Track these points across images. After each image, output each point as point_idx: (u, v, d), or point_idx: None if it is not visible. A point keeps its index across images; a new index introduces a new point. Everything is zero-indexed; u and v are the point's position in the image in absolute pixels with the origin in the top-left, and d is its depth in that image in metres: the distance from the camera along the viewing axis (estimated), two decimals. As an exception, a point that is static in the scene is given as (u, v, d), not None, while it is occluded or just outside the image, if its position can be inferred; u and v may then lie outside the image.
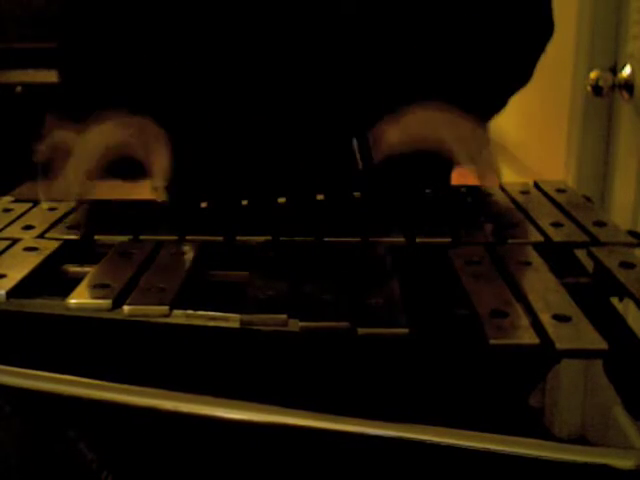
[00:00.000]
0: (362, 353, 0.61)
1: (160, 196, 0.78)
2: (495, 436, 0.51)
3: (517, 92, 0.91)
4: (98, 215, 0.78)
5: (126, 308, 0.57)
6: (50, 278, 0.65)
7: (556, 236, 0.69)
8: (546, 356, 0.51)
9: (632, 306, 0.57)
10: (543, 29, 0.92)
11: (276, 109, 0.86)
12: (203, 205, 0.79)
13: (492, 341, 0.51)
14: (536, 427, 0.64)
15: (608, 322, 0.56)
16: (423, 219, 0.72)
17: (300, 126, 0.87)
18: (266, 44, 0.85)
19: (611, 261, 0.63)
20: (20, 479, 0.72)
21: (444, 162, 0.84)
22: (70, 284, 0.60)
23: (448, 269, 0.63)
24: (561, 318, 0.53)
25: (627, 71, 1.34)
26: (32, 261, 0.65)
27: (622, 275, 0.61)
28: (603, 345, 0.50)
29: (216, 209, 0.78)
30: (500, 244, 0.68)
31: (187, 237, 0.71)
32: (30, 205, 0.81)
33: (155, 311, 0.57)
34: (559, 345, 0.50)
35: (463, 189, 0.85)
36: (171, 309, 0.57)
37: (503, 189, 0.83)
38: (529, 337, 0.51)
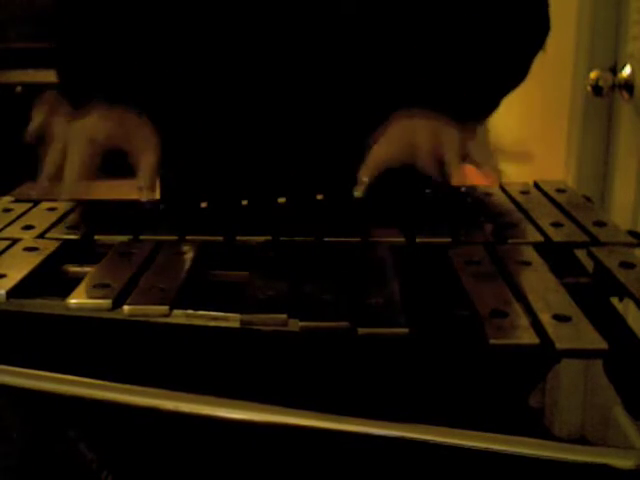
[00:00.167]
0: (362, 353, 0.61)
1: (145, 195, 0.77)
2: (495, 436, 0.51)
3: (511, 92, 0.91)
4: (98, 215, 0.78)
5: (126, 308, 0.57)
6: (50, 278, 0.65)
7: (556, 236, 0.69)
8: (546, 356, 0.51)
9: (632, 306, 0.57)
10: (539, 28, 0.91)
11: (275, 108, 0.86)
12: (203, 205, 0.79)
13: (492, 341, 0.51)
14: (536, 427, 0.64)
15: (608, 322, 0.56)
16: (423, 219, 0.72)
17: (300, 126, 0.87)
18: (266, 43, 0.85)
19: (611, 261, 0.63)
20: (20, 479, 0.72)
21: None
22: (70, 284, 0.60)
23: (448, 269, 0.63)
24: (561, 318, 0.53)
25: (627, 71, 1.34)
26: (32, 261, 0.65)
27: (622, 275, 0.61)
28: (603, 345, 0.50)
29: (216, 209, 0.78)
30: (500, 244, 0.68)
31: (187, 237, 0.71)
32: (30, 205, 0.81)
33: (155, 311, 0.57)
34: (559, 345, 0.50)
35: (463, 189, 0.85)
36: (171, 309, 0.57)
37: (503, 189, 0.83)
38: (529, 337, 0.51)
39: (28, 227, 0.74)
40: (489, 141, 0.79)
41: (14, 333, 0.69)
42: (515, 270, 0.61)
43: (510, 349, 0.51)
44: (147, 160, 0.77)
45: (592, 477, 0.50)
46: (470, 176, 0.83)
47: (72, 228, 0.73)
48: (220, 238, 0.70)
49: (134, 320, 0.57)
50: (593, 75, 1.40)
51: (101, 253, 0.67)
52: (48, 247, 0.68)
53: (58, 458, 0.71)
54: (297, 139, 0.87)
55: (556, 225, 0.72)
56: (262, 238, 0.70)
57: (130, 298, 0.58)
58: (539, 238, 0.69)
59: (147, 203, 0.77)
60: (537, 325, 0.53)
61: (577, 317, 0.53)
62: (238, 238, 0.70)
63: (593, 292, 0.62)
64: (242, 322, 0.55)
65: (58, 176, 0.76)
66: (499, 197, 0.81)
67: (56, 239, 0.70)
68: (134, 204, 0.81)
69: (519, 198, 0.80)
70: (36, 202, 0.82)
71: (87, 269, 0.64)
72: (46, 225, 0.74)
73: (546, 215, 0.74)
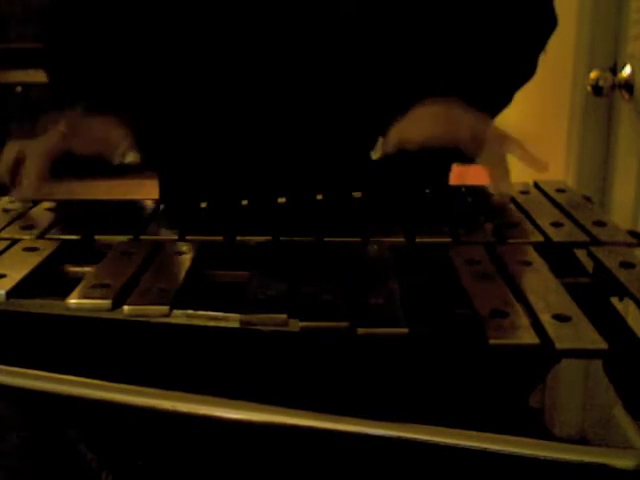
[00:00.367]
0: (362, 353, 0.61)
1: (131, 158, 0.79)
2: (495, 436, 0.51)
3: (522, 87, 0.91)
4: (98, 215, 0.78)
5: (126, 308, 0.57)
6: (50, 278, 0.65)
7: (556, 236, 0.69)
8: (546, 356, 0.51)
9: (632, 306, 0.57)
10: (546, 22, 0.92)
11: (275, 108, 0.86)
12: (203, 205, 0.79)
13: (492, 341, 0.51)
14: (536, 427, 0.64)
15: (608, 322, 0.56)
16: (423, 219, 0.72)
17: (300, 126, 0.87)
18: (266, 42, 0.85)
19: (611, 261, 0.63)
20: (20, 479, 0.72)
21: (445, 161, 0.84)
22: (70, 284, 0.60)
23: (448, 269, 0.63)
24: (561, 318, 0.53)
25: (627, 71, 1.34)
26: (32, 261, 0.65)
27: (622, 275, 0.61)
28: (603, 345, 0.50)
29: (216, 209, 0.78)
30: (500, 244, 0.68)
31: (187, 237, 0.71)
32: (30, 205, 0.81)
33: (155, 311, 0.57)
34: (559, 345, 0.50)
35: (463, 189, 0.85)
36: (171, 309, 0.57)
37: (503, 189, 0.83)
38: (529, 337, 0.51)
39: (28, 227, 0.74)
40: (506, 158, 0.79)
41: (14, 333, 0.69)
42: (515, 270, 0.61)
43: (510, 349, 0.51)
44: (117, 133, 0.79)
45: (592, 477, 0.50)
46: (470, 176, 0.83)
47: (72, 228, 0.73)
48: (220, 238, 0.70)
49: (134, 320, 0.57)
50: (593, 75, 1.40)
51: (101, 253, 0.67)
52: (48, 247, 0.68)
53: (58, 458, 0.71)
54: (297, 139, 0.87)
55: (556, 225, 0.72)
56: (262, 238, 0.70)
57: (130, 298, 0.58)
58: (539, 238, 0.69)
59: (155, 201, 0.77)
60: (537, 325, 0.53)
61: (577, 317, 0.53)
62: (238, 238, 0.70)
63: (593, 292, 0.62)
64: (242, 322, 0.55)
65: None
66: (499, 197, 0.81)
67: (56, 239, 0.70)
68: (134, 204, 0.81)
69: (519, 198, 0.80)
70: (36, 202, 0.82)
71: (87, 269, 0.64)
72: (46, 225, 0.74)
73: (546, 215, 0.74)
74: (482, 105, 0.82)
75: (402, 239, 0.69)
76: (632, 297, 0.58)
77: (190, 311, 0.58)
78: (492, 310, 0.54)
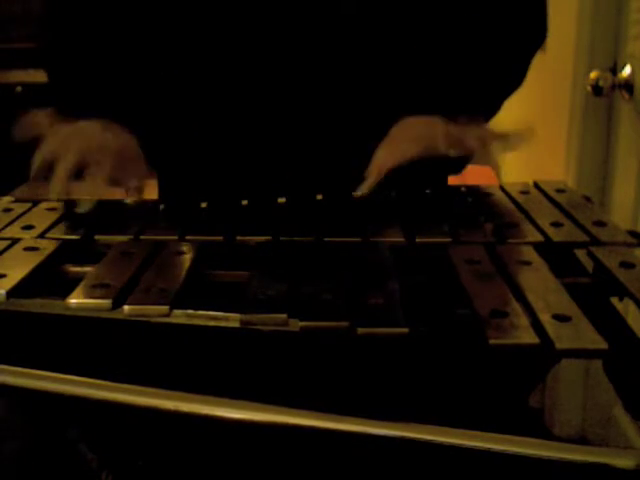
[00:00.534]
0: (362, 353, 0.61)
1: (137, 195, 0.78)
2: (495, 436, 0.51)
3: (510, 95, 0.91)
4: (98, 215, 0.78)
5: (126, 308, 0.57)
6: (50, 278, 0.65)
7: (556, 236, 0.69)
8: (546, 356, 0.51)
9: (632, 306, 0.57)
10: (538, 30, 0.92)
11: (275, 109, 0.86)
12: (203, 205, 0.79)
13: (492, 341, 0.51)
14: (536, 427, 0.64)
15: (608, 322, 0.56)
16: (423, 219, 0.72)
17: (299, 126, 0.87)
18: (266, 42, 0.85)
19: (611, 261, 0.63)
20: (20, 479, 0.72)
21: (436, 171, 0.85)
22: (70, 284, 0.60)
23: (448, 269, 0.63)
24: (561, 318, 0.53)
25: (627, 71, 1.33)
26: (32, 261, 0.65)
27: (622, 275, 0.61)
28: (603, 345, 0.50)
29: (216, 209, 0.78)
30: (500, 244, 0.68)
31: (187, 237, 0.71)
32: (30, 205, 0.81)
33: (155, 311, 0.57)
34: (559, 345, 0.50)
35: (463, 189, 0.85)
36: (171, 309, 0.57)
37: (503, 189, 0.83)
38: (529, 337, 0.51)
39: (28, 227, 0.74)
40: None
41: (14, 333, 0.69)
42: (515, 270, 0.61)
43: (510, 349, 0.51)
44: (138, 168, 0.78)
45: (592, 477, 0.50)
46: (470, 176, 0.83)
47: (72, 228, 0.73)
48: (220, 238, 0.70)
49: (134, 320, 0.57)
50: (593, 75, 1.39)
51: (101, 253, 0.67)
52: (48, 247, 0.68)
53: (58, 458, 0.71)
54: (297, 139, 0.87)
55: (556, 225, 0.72)
56: (262, 238, 0.70)
57: (130, 298, 0.58)
58: (539, 238, 0.69)
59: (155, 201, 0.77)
60: (537, 325, 0.53)
61: (577, 317, 0.53)
62: (238, 238, 0.70)
63: (593, 292, 0.62)
64: (242, 322, 0.55)
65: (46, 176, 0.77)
66: (499, 197, 0.81)
67: (56, 239, 0.70)
68: (134, 204, 0.81)
69: (519, 198, 0.80)
70: (36, 202, 0.82)
71: (87, 269, 0.64)
72: (46, 225, 0.74)
73: (546, 215, 0.74)
74: (470, 112, 0.82)
75: (402, 239, 0.69)
76: (632, 297, 0.58)
77: (190, 311, 0.58)
78: (492, 310, 0.54)
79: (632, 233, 0.70)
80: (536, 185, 0.84)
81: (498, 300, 0.56)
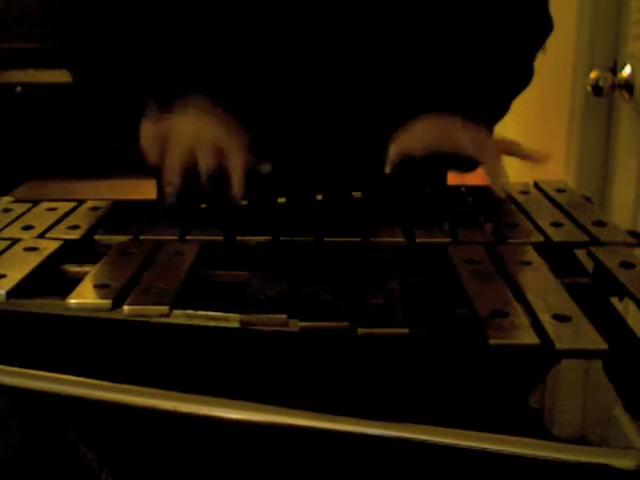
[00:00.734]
0: (362, 353, 0.61)
1: (239, 199, 0.75)
2: (495, 436, 0.51)
3: (519, 94, 0.91)
4: (98, 215, 0.78)
5: (126, 308, 0.57)
6: (50, 278, 0.65)
7: (556, 236, 0.69)
8: (546, 356, 0.51)
9: (632, 306, 0.57)
10: (541, 27, 0.92)
11: (275, 109, 0.86)
12: (203, 205, 0.79)
13: (492, 341, 0.51)
14: (536, 427, 0.64)
15: (608, 322, 0.56)
16: (423, 219, 0.72)
17: (299, 126, 0.87)
18: (265, 43, 0.85)
19: (611, 261, 0.63)
20: (20, 479, 0.72)
21: (446, 167, 0.84)
22: (70, 284, 0.60)
23: (448, 269, 0.63)
24: (561, 318, 0.53)
25: (627, 71, 1.33)
26: (32, 261, 0.65)
27: (622, 275, 0.61)
28: (603, 345, 0.50)
29: (216, 209, 0.78)
30: (500, 244, 0.68)
31: (187, 237, 0.71)
32: (30, 205, 0.81)
33: (155, 311, 0.57)
34: (559, 345, 0.50)
35: (463, 189, 0.85)
36: (171, 309, 0.57)
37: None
38: (529, 337, 0.51)
39: (28, 227, 0.74)
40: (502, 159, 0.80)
41: (14, 333, 0.69)
42: (515, 270, 0.61)
43: (510, 349, 0.51)
44: (237, 162, 0.75)
45: (592, 477, 0.50)
46: (470, 176, 0.83)
47: (72, 228, 0.74)
48: (220, 238, 0.70)
49: (134, 320, 0.57)
50: (593, 75, 1.39)
51: (101, 253, 0.67)
52: (48, 247, 0.68)
53: (58, 458, 0.71)
54: (297, 139, 0.87)
55: (556, 225, 0.72)
56: (262, 238, 0.70)
57: (130, 298, 0.58)
58: (539, 238, 0.69)
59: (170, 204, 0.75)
60: (537, 325, 0.53)
61: (577, 317, 0.53)
62: (238, 238, 0.70)
63: (593, 292, 0.62)
64: (242, 322, 0.55)
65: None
66: (498, 193, 0.81)
67: (56, 239, 0.70)
68: (134, 204, 0.81)
69: (519, 198, 0.80)
70: (36, 202, 0.82)
71: (87, 269, 0.64)
72: (46, 225, 0.74)
73: (546, 215, 0.74)
74: (481, 113, 0.82)
75: (402, 239, 0.69)
76: (632, 297, 0.58)
77: (190, 311, 0.58)
78: (492, 310, 0.54)
79: (632, 233, 0.70)
80: (536, 185, 0.84)
81: (498, 300, 0.56)
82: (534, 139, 1.95)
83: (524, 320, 0.53)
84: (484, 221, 0.74)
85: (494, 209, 0.77)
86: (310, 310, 0.55)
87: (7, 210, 0.79)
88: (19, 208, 0.80)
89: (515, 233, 0.70)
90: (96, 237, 0.72)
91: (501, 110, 0.90)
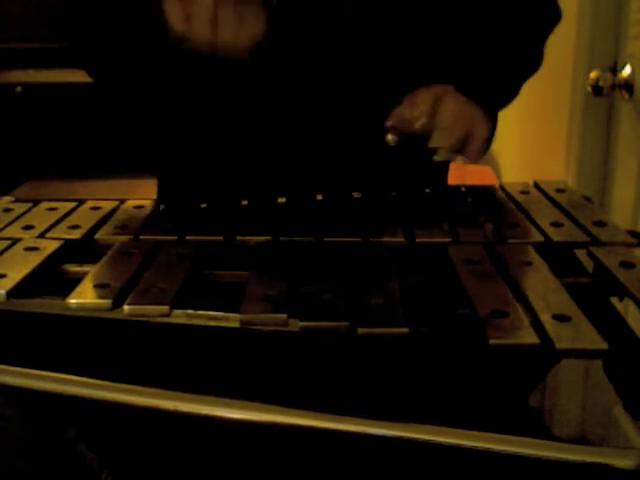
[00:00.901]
0: (362, 353, 0.61)
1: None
2: (495, 436, 0.51)
3: (528, 78, 0.91)
4: (98, 215, 0.78)
5: (126, 308, 0.57)
6: (50, 278, 0.65)
7: (556, 236, 0.69)
8: (546, 356, 0.51)
9: (632, 306, 0.57)
10: (550, 13, 0.92)
11: (274, 109, 0.86)
12: (203, 205, 0.79)
13: (492, 341, 0.51)
14: (536, 427, 0.64)
15: (608, 322, 0.56)
16: (423, 219, 0.72)
17: (299, 126, 0.87)
18: (266, 44, 0.85)
19: (611, 261, 0.63)
20: (20, 479, 0.72)
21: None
22: (70, 284, 0.60)
23: (448, 269, 0.63)
24: (561, 318, 0.53)
25: (627, 71, 1.33)
26: (32, 261, 0.65)
27: (622, 275, 0.61)
28: (603, 345, 0.50)
29: (216, 209, 0.78)
30: (500, 244, 0.68)
31: (187, 237, 0.71)
32: (30, 205, 0.81)
33: (155, 311, 0.57)
34: (559, 345, 0.50)
35: (463, 189, 0.85)
36: (171, 309, 0.57)
37: (503, 189, 0.83)
38: (529, 337, 0.51)
39: (28, 227, 0.74)
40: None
41: (14, 333, 0.69)
42: (515, 270, 0.61)
43: (510, 349, 0.51)
44: None
45: (592, 477, 0.50)
46: (470, 176, 0.83)
47: (72, 228, 0.74)
48: (220, 238, 0.70)
49: (134, 320, 0.57)
50: (593, 75, 1.39)
51: (101, 253, 0.67)
52: (48, 247, 0.68)
53: (58, 458, 0.71)
54: (297, 139, 0.87)
55: (556, 225, 0.72)
56: (262, 238, 0.70)
57: (130, 298, 0.58)
58: (539, 238, 0.69)
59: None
60: (537, 325, 0.53)
61: (577, 317, 0.53)
62: (238, 238, 0.70)
63: (593, 292, 0.62)
64: (242, 322, 0.55)
65: None
66: (499, 197, 0.81)
67: (56, 239, 0.70)
68: (134, 204, 0.81)
69: (519, 198, 0.80)
70: (36, 202, 0.82)
71: (87, 269, 0.64)
72: (46, 225, 0.74)
73: (546, 215, 0.74)
74: (490, 96, 0.82)
75: (402, 239, 0.69)
76: (632, 297, 0.58)
77: (190, 311, 0.58)
78: (492, 310, 0.54)
79: (632, 233, 0.70)
80: (536, 185, 0.84)
81: (498, 300, 0.56)
82: (534, 139, 1.95)
83: (524, 320, 0.53)
84: (484, 221, 0.74)
85: (494, 209, 0.77)
86: (310, 310, 0.55)
87: (7, 210, 0.79)
88: (19, 208, 0.80)
89: (515, 233, 0.70)
90: (96, 237, 0.72)
91: (509, 94, 0.90)
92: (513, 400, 0.68)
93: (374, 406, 0.55)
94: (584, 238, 0.69)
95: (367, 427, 0.52)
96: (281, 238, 0.70)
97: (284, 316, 0.55)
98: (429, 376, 0.66)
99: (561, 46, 1.50)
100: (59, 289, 0.60)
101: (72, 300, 0.58)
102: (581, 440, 0.60)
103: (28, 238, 0.71)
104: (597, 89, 1.39)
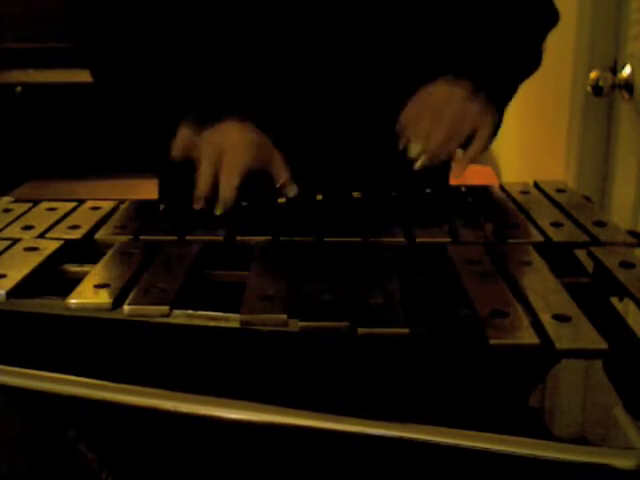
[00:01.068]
0: (362, 353, 0.61)
1: (292, 190, 0.76)
2: (495, 436, 0.51)
3: (528, 77, 0.91)
4: (98, 215, 0.78)
5: (126, 308, 0.57)
6: (50, 278, 0.65)
7: (556, 236, 0.69)
8: (546, 356, 0.51)
9: (632, 306, 0.57)
10: (547, 14, 0.92)
11: (275, 109, 0.86)
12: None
13: (492, 341, 0.51)
14: (536, 427, 0.64)
15: (608, 322, 0.56)
16: (423, 219, 0.72)
17: (299, 126, 0.87)
18: (264, 41, 0.85)
19: (611, 261, 0.63)
20: (20, 479, 0.72)
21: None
22: (70, 284, 0.60)
23: (448, 269, 0.63)
24: (561, 318, 0.53)
25: (627, 71, 1.33)
26: (32, 261, 0.65)
27: (622, 275, 0.61)
28: (603, 345, 0.50)
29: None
30: (500, 244, 0.68)
31: (187, 237, 0.71)
32: (30, 205, 0.81)
33: (155, 311, 0.57)
34: (559, 345, 0.50)
35: (463, 189, 0.85)
36: (171, 309, 0.57)
37: (503, 189, 0.83)
38: (529, 337, 0.51)
39: (28, 227, 0.74)
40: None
41: (14, 333, 0.69)
42: (515, 270, 0.61)
43: (510, 349, 0.51)
44: (277, 159, 0.77)
45: (592, 477, 0.50)
46: (470, 176, 0.83)
47: (72, 228, 0.74)
48: (220, 238, 0.70)
49: (134, 320, 0.57)
50: (593, 75, 1.39)
51: (101, 253, 0.67)
52: (48, 247, 0.68)
53: (58, 458, 0.71)
54: (296, 139, 0.87)
55: (556, 225, 0.72)
56: (262, 238, 0.70)
57: (130, 298, 0.58)
58: (539, 238, 0.69)
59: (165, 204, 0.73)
60: (537, 325, 0.53)
61: (577, 317, 0.53)
62: (238, 238, 0.70)
63: (593, 292, 0.62)
64: (242, 322, 0.55)
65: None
66: (499, 197, 0.81)
67: (56, 239, 0.70)
68: (134, 204, 0.81)
69: (519, 198, 0.80)
70: (36, 202, 0.82)
71: (87, 269, 0.64)
72: (46, 225, 0.74)
73: (546, 215, 0.74)
74: (492, 88, 0.82)
75: (402, 239, 0.69)
76: (632, 297, 0.58)
77: (190, 311, 0.58)
78: (492, 310, 0.54)
79: (632, 233, 0.70)
80: (536, 185, 0.84)
81: (498, 300, 0.56)
82: (534, 139, 1.95)
83: (524, 320, 0.53)
84: (484, 221, 0.74)
85: (494, 209, 0.77)
86: (310, 310, 0.55)
87: (7, 210, 0.79)
88: (19, 208, 0.80)
89: (515, 233, 0.70)
90: (96, 237, 0.72)
91: (508, 91, 0.90)
92: (513, 400, 0.68)
93: (374, 406, 0.55)
94: (584, 238, 0.69)
95: (367, 427, 0.52)
96: (281, 238, 0.70)
97: (284, 316, 0.55)
98: (429, 376, 0.66)
99: (561, 46, 1.50)
100: (59, 289, 0.60)
101: (72, 300, 0.58)
102: (581, 440, 0.60)
103: (28, 238, 0.71)
104: (597, 89, 1.39)
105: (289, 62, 0.85)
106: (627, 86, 1.33)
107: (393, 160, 0.83)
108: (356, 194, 0.82)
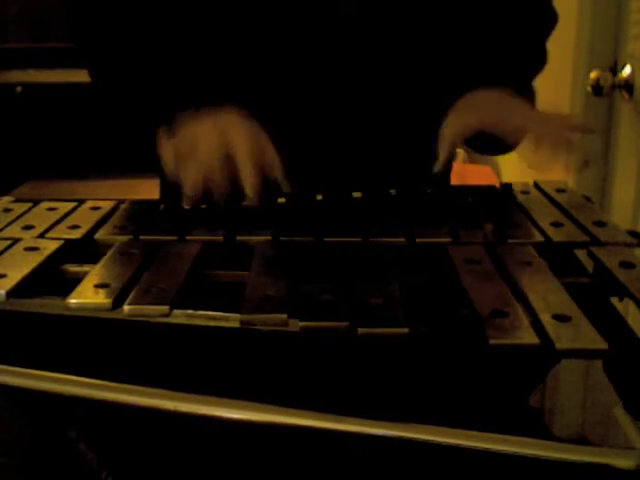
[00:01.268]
0: (362, 353, 0.61)
1: (286, 187, 0.74)
2: (495, 436, 0.51)
3: (536, 76, 0.91)
4: (98, 215, 0.78)
5: (126, 308, 0.57)
6: (50, 278, 0.65)
7: (556, 236, 0.69)
8: (546, 356, 0.51)
9: (632, 306, 0.57)
10: (546, 18, 0.92)
11: (276, 109, 0.86)
12: (203, 205, 0.79)
13: (492, 341, 0.51)
14: (536, 427, 0.64)
15: (608, 322, 0.56)
16: (423, 219, 0.72)
17: (299, 126, 0.87)
18: (265, 43, 0.85)
19: (611, 261, 0.63)
20: (20, 479, 0.72)
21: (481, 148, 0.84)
22: (70, 284, 0.60)
23: (448, 269, 0.63)
24: (561, 318, 0.53)
25: (627, 71, 1.33)
26: (32, 261, 0.65)
27: (622, 275, 0.61)
28: (603, 345, 0.50)
29: (216, 209, 0.78)
30: (500, 244, 0.68)
31: (187, 237, 0.71)
32: (30, 205, 0.81)
33: (155, 311, 0.57)
34: (559, 345, 0.50)
35: (463, 189, 0.85)
36: (171, 309, 0.57)
37: (507, 188, 0.83)
38: (529, 337, 0.51)
39: (28, 227, 0.74)
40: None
41: (14, 333, 0.69)
42: (515, 270, 0.61)
43: (510, 349, 0.51)
44: (270, 153, 0.74)
45: (592, 477, 0.50)
46: (470, 176, 0.83)
47: (72, 228, 0.74)
48: (220, 238, 0.70)
49: (134, 320, 0.57)
50: (593, 75, 1.39)
51: (101, 253, 0.67)
52: (48, 247, 0.68)
53: (58, 458, 0.71)
54: (296, 139, 0.87)
55: (556, 225, 0.72)
56: (262, 238, 0.70)
57: (130, 298, 0.58)
58: (539, 238, 0.69)
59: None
60: (537, 325, 0.53)
61: (577, 317, 0.53)
62: (238, 238, 0.70)
63: (593, 292, 0.62)
64: (242, 322, 0.55)
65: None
66: (499, 197, 0.81)
67: (56, 239, 0.70)
68: (134, 204, 0.81)
69: (519, 198, 0.80)
70: (36, 202, 0.82)
71: (87, 269, 0.64)
72: (46, 225, 0.74)
73: (546, 215, 0.74)
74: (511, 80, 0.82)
75: (402, 239, 0.69)
76: (632, 297, 0.58)
77: (190, 311, 0.58)
78: (492, 310, 0.54)
79: (632, 233, 0.70)
80: (536, 185, 0.84)
81: (498, 300, 0.56)
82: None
83: (524, 320, 0.53)
84: (484, 221, 0.74)
85: (494, 209, 0.77)
86: (310, 310, 0.55)
87: (7, 210, 0.79)
88: (19, 208, 0.80)
89: (515, 233, 0.70)
90: (96, 237, 0.72)
91: (523, 90, 0.90)
92: (513, 400, 0.68)
93: (374, 406, 0.55)
94: (584, 238, 0.69)
95: (367, 427, 0.52)
96: (281, 238, 0.70)
97: (284, 316, 0.54)
98: (429, 376, 0.66)
99: (561, 46, 1.50)
100: (59, 289, 0.60)
101: (72, 300, 0.58)
102: (581, 440, 0.60)
103: (28, 238, 0.71)
104: (597, 89, 1.39)
105: (289, 62, 0.85)
106: (627, 86, 1.33)
107: (393, 160, 0.83)
108: (356, 194, 0.82)
